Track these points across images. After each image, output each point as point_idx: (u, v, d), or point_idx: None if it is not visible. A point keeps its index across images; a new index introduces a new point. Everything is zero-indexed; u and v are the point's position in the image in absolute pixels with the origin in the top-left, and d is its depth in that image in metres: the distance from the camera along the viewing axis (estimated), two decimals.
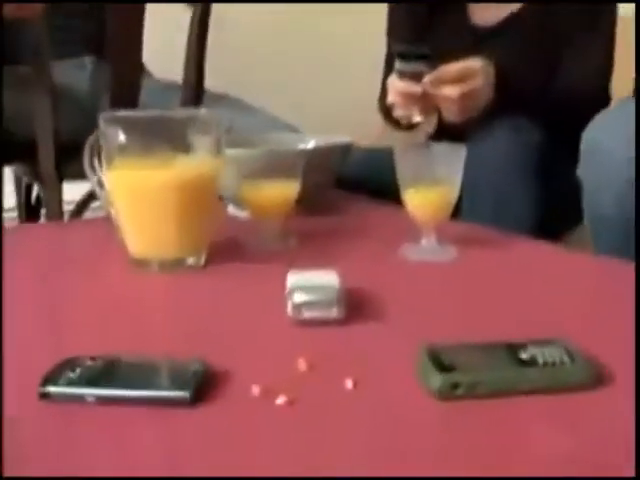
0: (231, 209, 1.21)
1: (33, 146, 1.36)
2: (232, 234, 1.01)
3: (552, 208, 1.27)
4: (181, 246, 0.87)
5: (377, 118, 1.61)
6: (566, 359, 0.52)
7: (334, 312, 0.64)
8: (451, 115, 1.28)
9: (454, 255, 0.91)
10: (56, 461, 0.43)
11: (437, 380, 0.49)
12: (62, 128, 1.36)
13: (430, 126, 1.50)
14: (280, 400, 0.49)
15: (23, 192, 1.87)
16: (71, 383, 0.50)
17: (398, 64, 1.28)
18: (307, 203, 1.14)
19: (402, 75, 1.27)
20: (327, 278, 0.69)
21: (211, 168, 0.89)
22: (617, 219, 1.01)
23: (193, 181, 0.86)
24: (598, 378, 0.51)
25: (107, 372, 0.52)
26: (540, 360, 0.52)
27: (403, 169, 0.92)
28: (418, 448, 0.44)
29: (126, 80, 1.46)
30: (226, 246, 0.96)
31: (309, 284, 0.67)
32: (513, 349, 0.53)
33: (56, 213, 1.43)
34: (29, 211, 1.89)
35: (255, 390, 0.51)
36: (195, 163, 0.87)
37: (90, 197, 1.56)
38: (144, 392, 0.49)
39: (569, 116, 1.26)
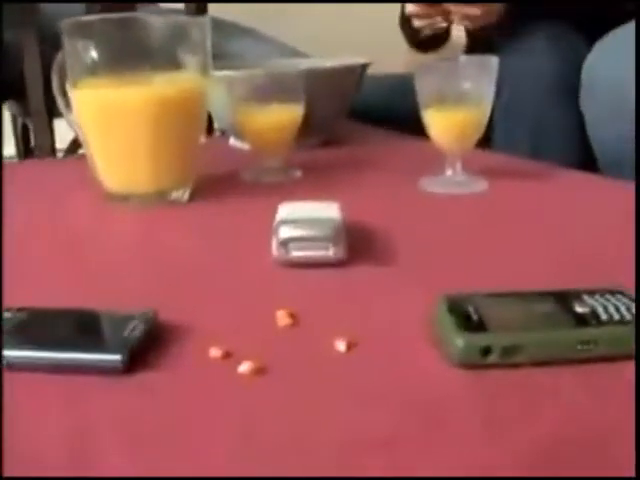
0: (232, 141, 1.08)
1: (23, 81, 1.26)
2: (230, 167, 0.88)
3: None
4: (161, 177, 0.74)
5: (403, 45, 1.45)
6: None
7: (331, 251, 0.50)
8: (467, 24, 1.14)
9: (483, 187, 0.76)
10: None
11: (461, 342, 0.35)
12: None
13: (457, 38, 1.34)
14: (244, 367, 0.36)
15: (20, 132, 1.76)
16: None
17: None
18: (316, 134, 1.00)
19: None
20: (326, 210, 0.55)
21: (196, 86, 0.74)
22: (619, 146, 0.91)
23: (173, 99, 0.72)
24: None
25: (26, 328, 0.39)
26: (603, 315, 0.37)
27: (423, 86, 0.77)
28: (432, 436, 0.31)
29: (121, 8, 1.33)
30: (218, 180, 0.82)
31: (302, 217, 0.53)
32: (564, 300, 0.39)
33: (47, 151, 1.32)
34: (27, 153, 1.78)
35: (214, 353, 0.38)
36: (176, 79, 0.72)
37: None
38: (64, 355, 0.36)
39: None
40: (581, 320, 0.37)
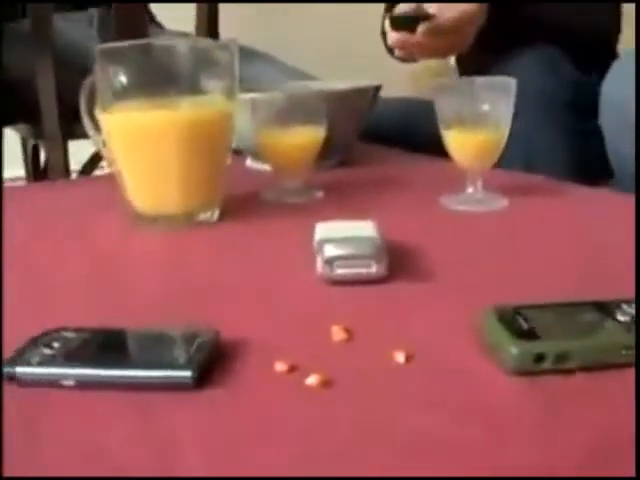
0: (249, 162, 1.10)
1: (37, 105, 1.28)
2: (249, 188, 0.90)
3: (591, 154, 1.14)
4: (189, 199, 0.76)
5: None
6: None
7: (373, 268, 0.53)
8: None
9: (505, 204, 0.78)
10: (22, 463, 0.32)
11: (515, 350, 0.38)
12: (68, 86, 1.27)
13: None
14: (312, 380, 0.38)
15: (30, 155, 1.79)
16: (45, 362, 0.39)
17: (391, 19, 1.18)
18: (333, 155, 1.02)
19: (395, 27, 1.17)
20: (364, 229, 0.58)
21: (222, 110, 0.77)
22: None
23: (201, 123, 0.74)
24: None
25: (91, 348, 0.41)
26: None
27: (443, 107, 0.80)
28: (495, 439, 0.33)
29: (132, 32, 1.36)
30: (243, 200, 0.85)
31: (342, 235, 0.55)
32: (605, 309, 0.42)
33: (61, 173, 1.34)
34: (37, 175, 1.80)
35: (280, 367, 0.40)
36: (204, 104, 0.75)
37: (98, 156, 1.47)
38: (135, 372, 0.38)
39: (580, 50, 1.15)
40: (624, 327, 0.39)
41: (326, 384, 0.38)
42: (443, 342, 0.43)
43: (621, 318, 0.40)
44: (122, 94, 0.74)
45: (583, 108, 1.10)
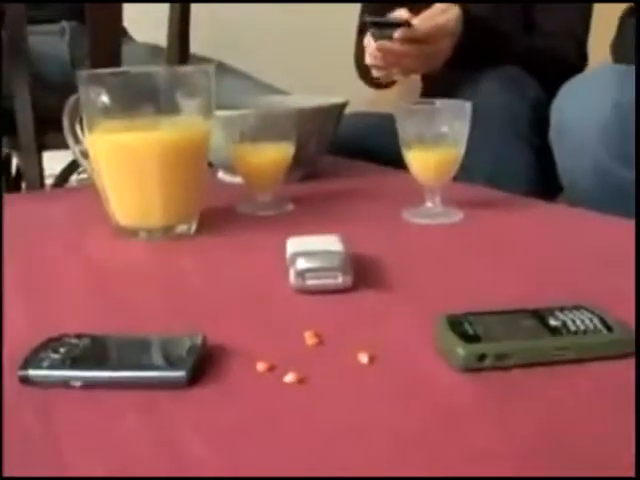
0: (221, 175, 1.16)
1: (11, 116, 1.31)
2: (223, 201, 0.96)
3: (554, 170, 1.22)
4: (169, 213, 0.82)
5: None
6: (600, 326, 0.47)
7: (340, 279, 0.59)
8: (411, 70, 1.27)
9: (461, 217, 0.86)
10: (37, 457, 0.38)
11: (462, 351, 0.44)
12: (42, 97, 1.31)
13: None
14: (289, 378, 0.44)
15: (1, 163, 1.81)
16: (54, 365, 0.44)
17: (372, 30, 1.24)
18: (303, 168, 1.09)
19: (376, 37, 1.23)
20: (331, 243, 0.64)
21: (200, 129, 0.83)
22: (594, 192, 1.01)
23: (180, 143, 0.80)
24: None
25: (94, 352, 0.47)
26: (572, 327, 0.47)
27: (405, 128, 0.86)
28: (446, 426, 0.40)
29: (106, 45, 1.40)
30: (217, 213, 0.90)
31: (312, 249, 0.62)
32: (540, 316, 0.49)
33: (36, 183, 1.37)
34: (9, 184, 1.82)
35: (260, 367, 0.46)
36: (182, 124, 0.81)
37: (72, 166, 1.51)
38: (135, 373, 0.44)
39: (546, 77, 1.24)
40: (555, 331, 0.46)
41: (302, 381, 0.44)
42: (402, 345, 0.49)
43: (553, 323, 0.47)
44: (105, 114, 0.79)
45: (546, 126, 1.18)
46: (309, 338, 0.50)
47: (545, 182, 1.19)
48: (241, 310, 0.58)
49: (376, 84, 1.48)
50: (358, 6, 1.58)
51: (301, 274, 0.59)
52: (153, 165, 0.79)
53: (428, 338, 0.49)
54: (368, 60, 1.28)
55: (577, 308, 0.50)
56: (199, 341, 0.48)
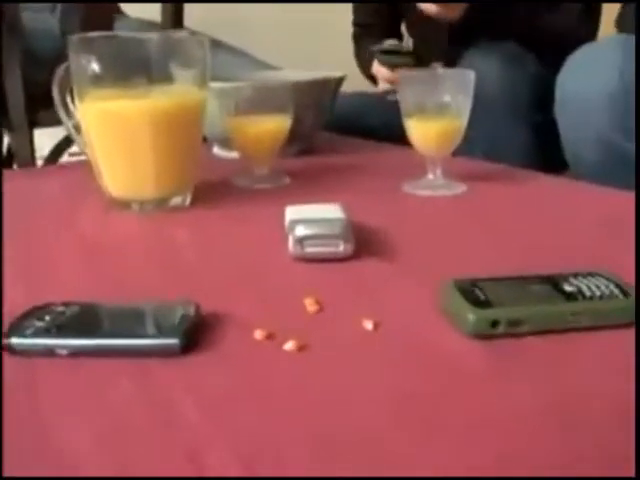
0: (216, 150, 1.13)
1: (1, 93, 1.28)
2: (219, 175, 0.93)
3: (551, 146, 1.19)
4: (162, 184, 0.79)
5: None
6: (617, 292, 0.45)
7: (341, 247, 0.56)
8: None
9: (464, 189, 0.83)
10: (23, 432, 0.35)
11: (472, 317, 0.42)
12: (33, 74, 1.28)
13: None
14: (288, 345, 0.42)
15: None
16: (38, 333, 0.42)
17: (381, 58, 1.24)
18: (297, 143, 1.06)
19: (386, 65, 1.22)
20: (331, 211, 0.61)
21: (194, 98, 0.80)
22: (597, 165, 0.99)
23: (173, 110, 0.77)
24: None
25: (81, 320, 0.44)
26: (587, 293, 0.44)
27: (406, 96, 0.84)
28: (454, 394, 0.37)
29: (98, 20, 1.38)
30: (213, 186, 0.88)
31: (312, 217, 0.59)
32: (553, 281, 0.46)
33: (27, 162, 1.35)
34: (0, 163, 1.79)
35: (258, 335, 0.43)
36: (176, 92, 0.78)
37: (66, 142, 1.48)
38: (124, 341, 0.41)
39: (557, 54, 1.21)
40: (570, 296, 0.44)
41: (302, 349, 0.41)
42: (408, 312, 0.47)
43: (568, 288, 0.45)
44: (96, 82, 0.76)
45: (544, 101, 1.15)
46: (309, 305, 0.47)
47: (546, 159, 1.16)
48: (238, 279, 0.55)
49: (371, 77, 1.46)
50: None
51: (300, 241, 0.56)
52: (145, 133, 0.76)
53: (435, 305, 0.46)
54: (382, 87, 1.27)
55: (592, 275, 0.47)
56: (192, 309, 0.45)
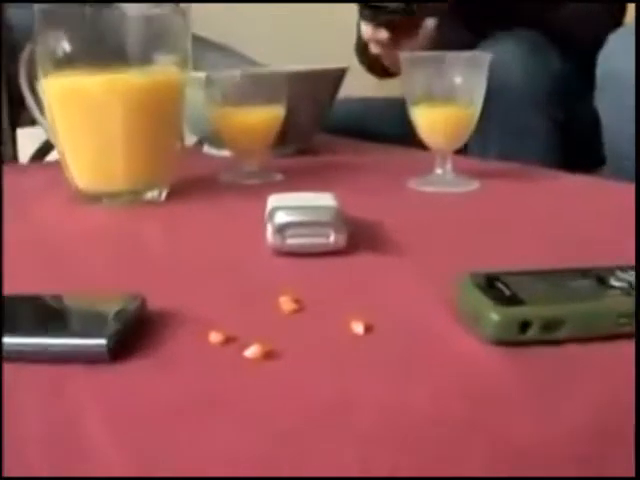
0: (206, 149, 1.03)
1: None
2: (204, 172, 0.83)
3: (572, 145, 1.09)
4: (135, 175, 0.69)
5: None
6: None
7: (332, 238, 0.46)
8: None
9: (476, 186, 0.73)
10: None
11: (496, 317, 0.32)
12: (15, 71, 1.20)
13: None
14: (251, 351, 0.32)
15: None
16: None
17: (364, 14, 1.13)
18: (293, 142, 0.96)
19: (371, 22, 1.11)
20: (321, 199, 0.51)
21: (173, 78, 0.70)
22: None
23: (150, 89, 0.68)
24: None
25: (5, 316, 0.34)
26: None
27: (411, 80, 0.74)
28: (472, 417, 0.27)
29: None
30: (194, 181, 0.78)
31: (297, 204, 0.49)
32: (596, 276, 0.36)
33: (10, 161, 1.27)
34: None
35: (214, 338, 0.33)
36: (151, 71, 0.68)
37: (47, 146, 1.39)
38: (37, 340, 0.31)
39: (582, 40, 1.11)
40: (620, 293, 0.34)
41: (269, 356, 0.31)
42: (409, 312, 0.37)
43: (616, 284, 0.35)
44: (64, 62, 0.66)
45: (566, 98, 1.05)
46: (285, 304, 0.37)
47: (566, 159, 1.06)
48: (202, 274, 0.45)
49: (381, 71, 1.35)
50: None
51: (280, 230, 0.46)
52: (115, 115, 0.66)
53: (445, 303, 0.36)
54: (373, 50, 1.16)
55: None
56: (135, 304, 0.35)
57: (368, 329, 0.34)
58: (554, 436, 0.26)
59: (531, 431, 0.26)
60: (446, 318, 0.35)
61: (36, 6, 0.67)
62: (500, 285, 0.34)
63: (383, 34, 1.11)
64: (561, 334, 0.32)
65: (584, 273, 0.36)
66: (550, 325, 0.32)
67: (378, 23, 1.10)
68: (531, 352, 0.32)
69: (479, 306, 0.33)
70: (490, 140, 1.02)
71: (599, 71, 0.95)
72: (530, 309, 0.32)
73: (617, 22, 1.20)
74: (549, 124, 1.06)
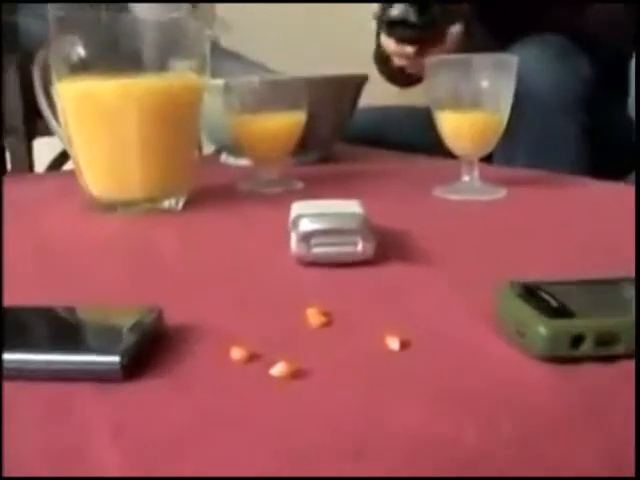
0: (224, 157, 1.01)
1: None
2: (222, 181, 0.81)
3: (602, 151, 1.06)
4: (152, 183, 0.67)
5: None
6: None
7: (360, 246, 0.44)
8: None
9: (504, 194, 0.70)
10: None
11: (545, 331, 0.29)
12: (29, 81, 1.20)
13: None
14: (277, 369, 0.29)
15: None
16: None
17: (387, 30, 1.10)
18: (316, 151, 0.94)
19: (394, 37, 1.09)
20: (348, 206, 0.49)
21: (189, 84, 0.68)
22: None
23: (165, 95, 0.66)
24: None
25: (11, 330, 0.32)
26: None
27: (436, 83, 0.71)
28: (521, 441, 0.24)
29: None
30: (212, 190, 0.76)
31: (322, 211, 0.46)
32: None
33: (25, 170, 1.26)
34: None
35: (236, 354, 0.31)
36: (169, 75, 0.66)
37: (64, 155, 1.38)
38: (45, 357, 0.29)
39: (608, 44, 1.08)
40: None
41: (297, 374, 0.29)
42: (446, 325, 0.34)
43: None
44: (79, 67, 0.65)
45: (594, 105, 1.02)
46: (313, 317, 0.35)
47: (595, 166, 1.03)
48: (222, 286, 0.43)
49: (405, 81, 1.32)
50: None
51: (306, 238, 0.43)
52: (131, 121, 0.64)
53: (482, 314, 0.34)
54: (397, 62, 1.14)
55: None
56: (151, 317, 0.32)
57: (404, 345, 0.31)
58: (613, 461, 0.23)
59: (590, 458, 0.23)
60: (486, 331, 0.33)
61: (51, 11, 0.66)
62: (545, 295, 0.32)
63: (408, 49, 1.09)
64: (617, 349, 0.29)
65: (631, 282, 0.33)
66: (605, 339, 0.29)
67: (401, 39, 1.08)
68: (584, 369, 0.29)
69: (524, 318, 0.30)
70: (517, 148, 0.99)
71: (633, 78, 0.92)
72: (583, 322, 0.29)
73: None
74: (577, 130, 1.02)
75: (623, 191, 0.74)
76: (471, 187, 0.71)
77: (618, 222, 0.58)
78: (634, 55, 1.02)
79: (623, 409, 0.26)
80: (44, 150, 1.37)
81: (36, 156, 1.33)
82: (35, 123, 1.24)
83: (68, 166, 1.41)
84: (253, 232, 0.57)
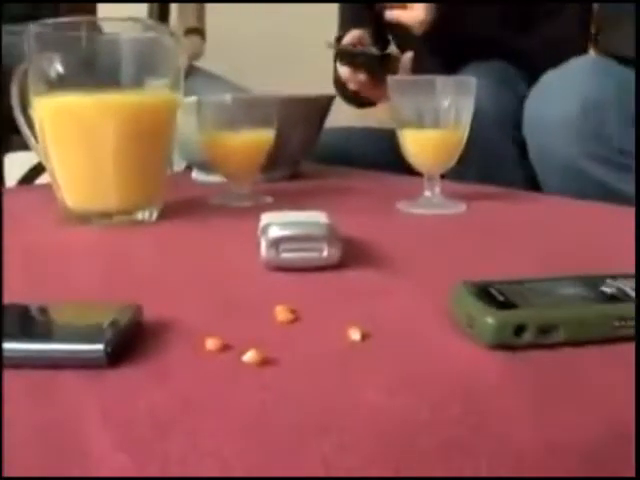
0: (195, 174, 1.04)
1: None
2: (196, 196, 0.84)
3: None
4: (126, 195, 0.69)
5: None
6: None
7: (325, 252, 0.47)
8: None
9: (464, 209, 0.74)
10: None
11: (492, 321, 0.32)
12: (5, 94, 1.20)
13: None
14: (248, 356, 0.32)
15: None
16: None
17: (344, 60, 1.16)
18: (282, 167, 0.97)
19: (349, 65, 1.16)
20: (314, 216, 0.52)
21: (166, 99, 0.71)
22: (563, 190, 0.93)
23: (142, 108, 0.68)
24: None
25: (7, 323, 0.34)
26: (632, 294, 0.35)
27: (400, 103, 0.75)
28: (468, 422, 0.27)
29: None
30: (185, 204, 0.78)
31: (290, 220, 0.49)
32: (589, 282, 0.36)
33: None
34: None
35: (211, 344, 0.33)
36: (143, 90, 0.69)
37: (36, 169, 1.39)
38: (33, 345, 0.31)
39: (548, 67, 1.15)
40: (613, 298, 0.34)
41: (266, 362, 0.31)
42: (405, 320, 0.37)
43: (608, 290, 0.35)
44: (57, 84, 0.67)
45: None
46: (281, 314, 0.37)
47: (533, 179, 1.09)
48: (195, 287, 0.45)
49: (360, 103, 1.39)
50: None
51: (275, 244, 0.46)
52: (107, 134, 0.67)
53: (440, 312, 0.37)
54: (352, 87, 1.21)
55: (631, 276, 0.38)
56: (131, 312, 0.35)
57: (365, 336, 0.34)
58: (553, 438, 0.26)
59: (531, 434, 0.26)
60: (442, 325, 0.36)
61: (30, 28, 0.68)
62: (494, 292, 0.35)
63: (362, 76, 1.15)
64: (556, 338, 0.32)
65: (577, 280, 0.37)
66: (545, 329, 0.32)
67: (356, 67, 1.14)
68: (528, 355, 0.32)
69: (474, 311, 0.33)
70: (469, 165, 1.04)
71: (525, 115, 1.02)
72: (525, 312, 0.32)
73: (583, 49, 1.24)
74: (517, 149, 1.08)
75: (570, 204, 0.79)
76: (433, 202, 0.75)
77: (567, 231, 0.62)
78: None
79: (564, 392, 0.29)
80: (14, 165, 1.38)
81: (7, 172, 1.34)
82: (8, 138, 1.25)
83: (39, 181, 1.43)
84: (224, 241, 0.60)
